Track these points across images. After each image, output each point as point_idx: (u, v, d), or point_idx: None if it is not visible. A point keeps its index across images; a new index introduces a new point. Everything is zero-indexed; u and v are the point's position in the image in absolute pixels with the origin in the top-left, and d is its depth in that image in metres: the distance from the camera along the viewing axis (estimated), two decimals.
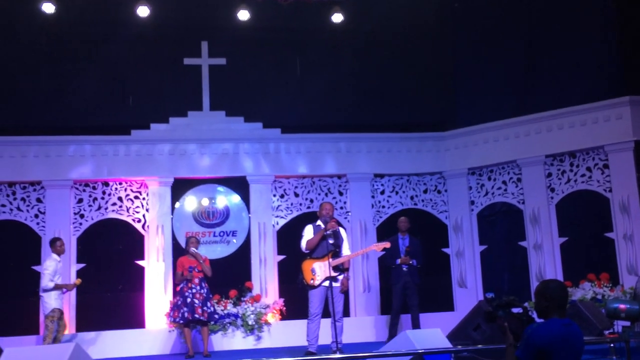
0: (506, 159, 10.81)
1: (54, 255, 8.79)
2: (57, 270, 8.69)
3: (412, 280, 9.48)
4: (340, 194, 11.08)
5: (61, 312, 8.66)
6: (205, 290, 8.99)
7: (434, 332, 5.98)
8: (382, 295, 10.73)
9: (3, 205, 10.19)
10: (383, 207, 11.14)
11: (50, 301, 8.55)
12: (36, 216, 10.23)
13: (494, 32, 11.13)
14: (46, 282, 8.56)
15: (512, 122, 10.79)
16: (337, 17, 10.69)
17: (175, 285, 9.68)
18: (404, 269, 9.44)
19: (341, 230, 8.16)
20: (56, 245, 8.83)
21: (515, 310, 4.14)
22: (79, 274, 9.92)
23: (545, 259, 10.30)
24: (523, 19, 10.99)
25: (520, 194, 10.75)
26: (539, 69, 10.82)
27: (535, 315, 4.04)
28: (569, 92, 10.41)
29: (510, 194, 10.86)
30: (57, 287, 8.61)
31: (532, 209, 10.49)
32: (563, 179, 10.45)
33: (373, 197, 11.12)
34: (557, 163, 10.53)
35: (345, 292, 8.09)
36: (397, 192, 11.23)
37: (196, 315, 8.79)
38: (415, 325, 9.43)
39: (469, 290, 10.80)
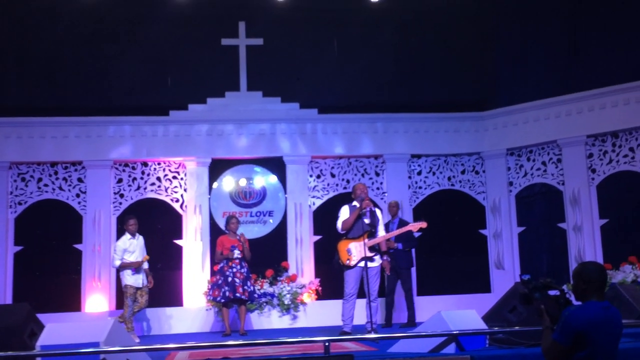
0: (546, 139, 10.64)
1: (126, 235, 9.03)
2: (128, 249, 8.92)
3: (399, 264, 9.45)
4: (377, 174, 11.05)
5: (136, 289, 8.87)
6: (245, 269, 9.06)
7: (469, 313, 5.94)
8: (418, 276, 10.70)
9: (46, 185, 10.41)
10: (420, 187, 11.08)
11: (123, 278, 8.89)
12: (77, 195, 10.44)
13: (536, 10, 10.89)
14: (113, 261, 8.96)
15: (553, 101, 10.59)
16: None
17: (213, 264, 9.80)
18: (391, 252, 9.38)
19: (377, 211, 8.14)
20: (127, 224, 9.07)
21: (552, 292, 4.08)
22: None
23: (585, 241, 10.14)
24: None
25: (560, 175, 10.58)
26: (582, 48, 10.57)
27: (573, 298, 3.98)
28: (612, 70, 10.17)
29: (550, 175, 10.69)
30: (123, 266, 8.84)
31: (572, 190, 10.32)
32: (605, 160, 10.25)
33: (410, 177, 11.06)
34: (599, 143, 10.32)
35: (382, 273, 8.11)
36: (434, 173, 11.15)
37: (237, 294, 8.87)
38: (410, 309, 9.48)
39: (506, 272, 10.70)
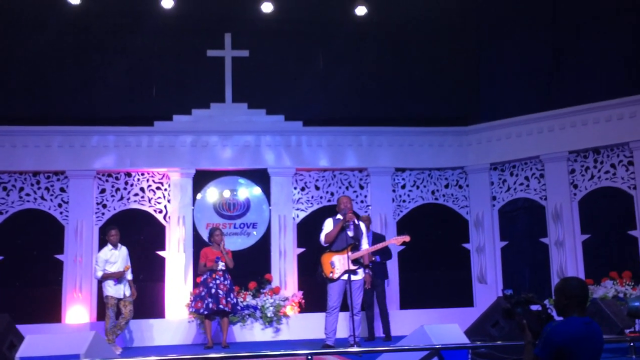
0: (529, 154, 10.73)
1: (108, 246, 9.01)
2: (109, 260, 8.90)
3: (378, 277, 9.46)
4: (361, 187, 11.07)
5: (117, 300, 8.84)
6: (229, 281, 9.02)
7: (451, 327, 5.95)
8: (401, 289, 10.72)
9: (27, 195, 10.32)
10: (404, 201, 11.12)
11: (104, 289, 8.89)
12: (59, 205, 10.36)
13: (520, 26, 11.06)
14: (95, 272, 8.98)
15: (535, 117, 10.70)
16: (361, 10, 10.66)
17: (196, 276, 9.75)
18: (370, 266, 9.38)
19: (361, 224, 8.14)
20: (109, 234, 9.06)
21: (534, 307, 4.11)
22: None
23: (566, 256, 10.21)
24: (549, 13, 10.87)
25: (542, 190, 10.67)
26: (564, 64, 10.71)
27: (554, 313, 4.00)
28: (594, 87, 10.31)
29: (533, 190, 10.77)
30: (105, 277, 8.82)
31: (554, 206, 10.40)
32: (586, 176, 10.35)
33: (394, 191, 11.09)
34: (581, 159, 10.43)
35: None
36: (418, 187, 11.20)
37: (220, 306, 8.82)
38: (385, 323, 9.49)
39: (489, 286, 10.75)
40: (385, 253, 9.58)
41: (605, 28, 10.41)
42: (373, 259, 9.33)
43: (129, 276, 9.05)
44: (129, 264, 9.04)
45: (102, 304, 9.34)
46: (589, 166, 10.35)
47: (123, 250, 9.08)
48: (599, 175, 10.26)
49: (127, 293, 8.94)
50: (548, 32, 10.89)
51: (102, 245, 9.67)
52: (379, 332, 9.83)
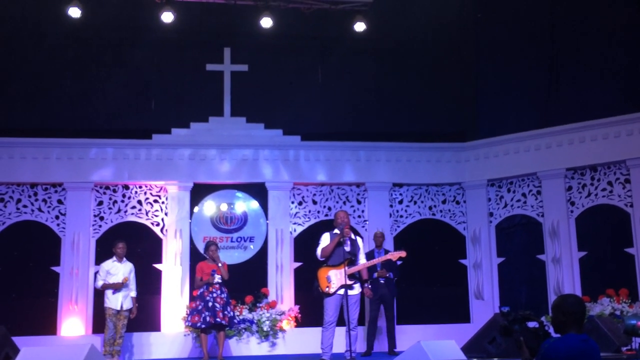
0: (526, 171, 10.75)
1: (113, 257, 9.06)
2: (110, 272, 8.94)
3: (389, 293, 9.53)
4: (359, 202, 11.09)
5: (115, 311, 8.85)
6: (225, 294, 8.99)
7: (448, 343, 5.95)
8: (398, 305, 10.69)
9: (25, 206, 10.32)
10: (401, 216, 11.13)
11: (105, 300, 8.93)
12: (57, 217, 10.35)
13: (517, 43, 11.12)
14: (96, 282, 9.07)
15: (533, 134, 10.73)
16: (360, 26, 10.70)
17: (193, 289, 9.72)
18: (381, 282, 9.38)
19: (358, 239, 8.14)
20: (116, 247, 9.10)
21: (531, 324, 4.11)
22: None
23: (563, 273, 10.21)
24: (547, 31, 10.95)
25: (539, 206, 10.68)
26: (562, 81, 10.76)
27: (552, 330, 4.01)
28: (591, 105, 10.35)
29: (530, 207, 10.79)
30: (105, 287, 8.87)
31: (551, 222, 10.41)
32: (583, 193, 10.37)
33: (391, 206, 11.11)
34: (578, 176, 10.45)
35: (362, 301, 8.09)
36: (415, 202, 11.21)
37: (218, 319, 8.78)
38: (391, 337, 9.53)
39: (485, 302, 10.73)
40: (395, 269, 9.59)
41: (602, 46, 10.47)
42: (387, 275, 9.37)
43: (133, 293, 9.03)
44: (129, 277, 9.00)
45: (98, 317, 9.35)
46: (586, 183, 10.38)
47: (127, 265, 9.09)
48: (596, 193, 10.28)
49: (125, 306, 8.92)
50: (546, 49, 10.95)
51: (98, 257, 9.68)
52: (377, 347, 9.80)
